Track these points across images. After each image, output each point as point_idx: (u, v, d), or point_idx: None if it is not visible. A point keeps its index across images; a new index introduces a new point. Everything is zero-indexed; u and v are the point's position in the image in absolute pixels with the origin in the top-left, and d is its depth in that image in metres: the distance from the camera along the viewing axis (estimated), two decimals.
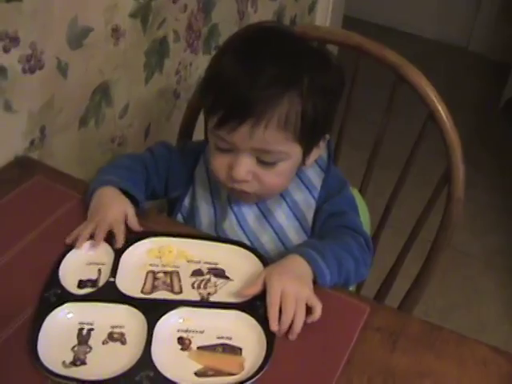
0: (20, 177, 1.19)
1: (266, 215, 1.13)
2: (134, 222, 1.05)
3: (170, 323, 0.91)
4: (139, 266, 1.02)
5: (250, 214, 1.13)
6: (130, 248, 1.03)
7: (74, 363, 0.87)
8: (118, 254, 1.01)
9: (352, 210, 1.14)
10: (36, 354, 0.86)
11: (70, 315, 0.93)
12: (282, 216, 1.12)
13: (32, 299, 0.93)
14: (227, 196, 1.13)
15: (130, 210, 1.05)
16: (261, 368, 0.85)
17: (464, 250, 2.46)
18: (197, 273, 1.01)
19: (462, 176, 1.21)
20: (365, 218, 1.28)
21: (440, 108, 1.20)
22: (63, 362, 0.86)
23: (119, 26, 1.41)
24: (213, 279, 1.00)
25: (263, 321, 0.91)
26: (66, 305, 0.93)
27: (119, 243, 1.01)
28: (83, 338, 0.90)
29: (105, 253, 1.02)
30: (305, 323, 0.91)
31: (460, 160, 1.20)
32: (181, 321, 0.92)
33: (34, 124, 1.28)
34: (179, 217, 1.18)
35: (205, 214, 1.15)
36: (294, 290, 0.92)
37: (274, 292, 0.92)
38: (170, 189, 1.18)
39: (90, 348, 0.89)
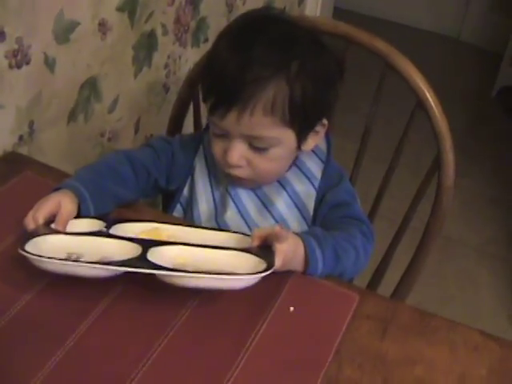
0: (9, 172, 1.19)
1: (266, 205, 1.13)
2: (63, 215, 0.99)
3: (165, 255, 0.91)
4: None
5: (250, 204, 1.13)
6: (119, 224, 1.02)
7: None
8: (108, 225, 1.01)
9: (354, 199, 1.15)
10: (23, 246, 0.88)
11: (64, 237, 0.94)
12: (283, 205, 1.13)
13: (22, 293, 0.92)
14: (227, 186, 1.13)
15: (64, 202, 1.00)
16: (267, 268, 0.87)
17: (458, 240, 2.46)
18: None
19: (451, 164, 1.21)
20: None
21: (428, 96, 1.20)
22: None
23: (106, 20, 1.40)
24: None
25: (261, 253, 0.92)
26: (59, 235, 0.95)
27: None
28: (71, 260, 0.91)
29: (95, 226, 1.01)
30: (294, 312, 0.92)
31: (449, 148, 1.20)
32: (180, 253, 0.92)
33: (22, 119, 1.28)
34: (178, 207, 1.18)
35: (204, 205, 1.15)
36: (287, 257, 0.94)
37: (282, 247, 0.93)
38: (171, 180, 1.18)
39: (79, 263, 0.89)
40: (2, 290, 0.93)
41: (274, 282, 0.95)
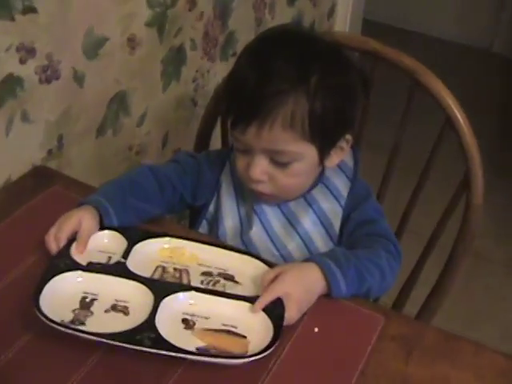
0: (38, 186, 1.20)
1: (292, 222, 1.12)
2: (84, 233, 1.01)
3: (177, 303, 0.92)
4: (150, 259, 1.02)
5: (276, 221, 1.13)
6: (143, 242, 1.03)
7: (72, 323, 0.88)
8: (131, 244, 1.02)
9: (380, 216, 1.14)
10: (37, 304, 0.87)
11: (79, 279, 0.95)
12: (309, 223, 1.12)
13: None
14: (252, 203, 1.13)
15: (85, 220, 1.01)
16: (265, 349, 0.85)
17: (487, 257, 2.43)
18: (206, 274, 1.01)
19: (480, 182, 1.20)
20: None
21: (457, 114, 1.19)
22: (62, 321, 0.88)
23: (135, 35, 1.42)
24: (222, 281, 1.00)
25: (271, 313, 0.91)
26: (76, 272, 0.95)
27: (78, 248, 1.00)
28: (85, 304, 0.92)
29: (118, 244, 1.03)
30: (319, 333, 0.91)
31: (478, 166, 1.19)
32: (191, 301, 0.93)
33: (52, 134, 1.29)
34: (204, 223, 1.18)
35: (229, 221, 1.15)
36: (300, 299, 0.93)
37: (280, 285, 0.93)
38: (198, 196, 1.18)
39: (92, 313, 0.90)
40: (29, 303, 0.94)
41: None
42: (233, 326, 0.91)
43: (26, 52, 1.16)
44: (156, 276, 0.99)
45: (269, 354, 0.85)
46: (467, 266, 1.32)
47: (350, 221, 1.12)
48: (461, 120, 1.19)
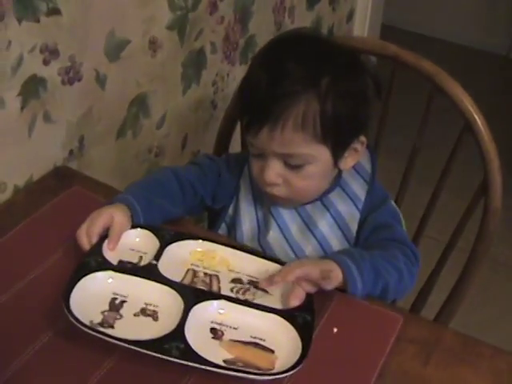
0: (58, 186, 1.22)
1: (309, 226, 1.13)
2: (116, 228, 1.01)
3: (207, 311, 0.92)
4: (181, 262, 1.02)
5: (293, 224, 1.13)
6: (175, 243, 1.04)
7: (101, 325, 0.88)
8: (163, 245, 1.02)
9: (397, 222, 1.14)
10: (67, 303, 0.87)
11: (110, 280, 0.94)
12: (326, 226, 1.12)
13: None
14: (269, 206, 1.14)
15: (117, 216, 1.02)
16: (293, 367, 0.84)
17: (505, 262, 2.42)
18: (237, 281, 1.01)
19: (498, 187, 1.19)
20: None
21: (477, 118, 1.19)
22: (91, 322, 0.87)
23: (156, 38, 1.43)
24: (252, 289, 0.99)
25: (301, 328, 0.90)
26: (107, 271, 0.95)
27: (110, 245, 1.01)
28: (115, 306, 0.92)
29: (150, 243, 1.03)
30: (338, 334, 0.91)
31: (497, 170, 1.19)
32: (221, 311, 0.93)
33: (73, 135, 1.31)
34: (223, 226, 1.19)
35: (247, 225, 1.15)
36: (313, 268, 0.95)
37: (300, 265, 0.96)
38: (218, 199, 1.18)
39: (121, 316, 0.90)
40: (49, 303, 0.95)
41: (318, 303, 0.96)
42: (261, 339, 0.90)
43: (50, 53, 1.17)
44: (186, 279, 0.99)
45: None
46: (485, 271, 1.31)
47: (367, 224, 1.12)
48: (480, 124, 1.19)
